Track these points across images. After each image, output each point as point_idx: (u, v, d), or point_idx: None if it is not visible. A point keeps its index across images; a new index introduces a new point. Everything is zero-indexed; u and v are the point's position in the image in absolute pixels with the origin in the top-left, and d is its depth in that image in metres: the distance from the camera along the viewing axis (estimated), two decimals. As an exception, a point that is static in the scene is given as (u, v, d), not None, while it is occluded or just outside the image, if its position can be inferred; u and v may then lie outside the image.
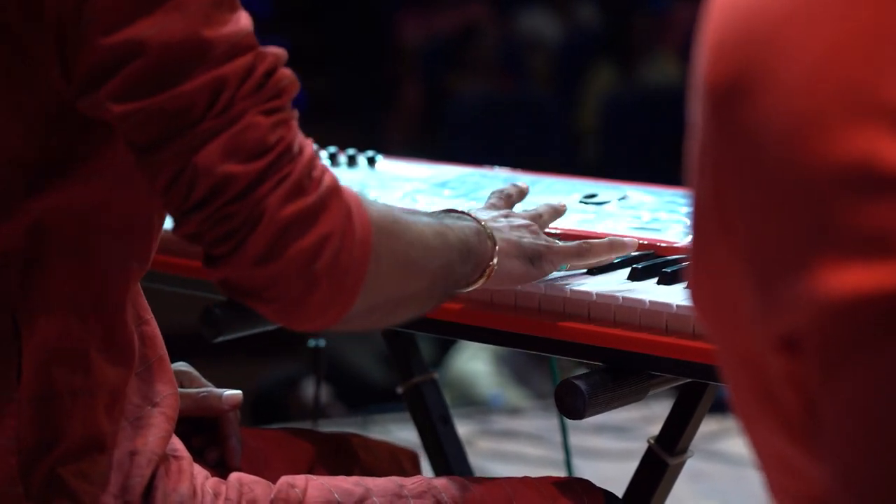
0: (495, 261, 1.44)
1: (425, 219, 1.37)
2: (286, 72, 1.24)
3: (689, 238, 0.78)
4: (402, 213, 1.33)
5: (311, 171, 1.21)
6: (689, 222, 0.78)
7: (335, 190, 1.22)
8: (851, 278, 0.64)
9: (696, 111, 0.74)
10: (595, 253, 1.56)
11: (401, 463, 1.76)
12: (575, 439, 2.83)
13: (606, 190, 1.89)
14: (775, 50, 0.69)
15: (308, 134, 1.26)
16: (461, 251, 1.38)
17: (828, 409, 0.67)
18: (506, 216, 1.52)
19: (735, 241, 0.71)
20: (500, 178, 1.98)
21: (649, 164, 6.39)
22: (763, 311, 0.70)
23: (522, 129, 7.09)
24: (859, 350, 0.65)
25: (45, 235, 1.26)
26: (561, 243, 1.54)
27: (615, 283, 1.54)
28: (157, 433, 1.36)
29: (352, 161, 2.07)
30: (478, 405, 4.18)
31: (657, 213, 1.78)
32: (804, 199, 0.67)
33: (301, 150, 1.22)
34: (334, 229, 1.21)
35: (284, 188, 1.19)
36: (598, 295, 1.50)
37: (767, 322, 0.69)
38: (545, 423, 3.78)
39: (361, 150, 2.10)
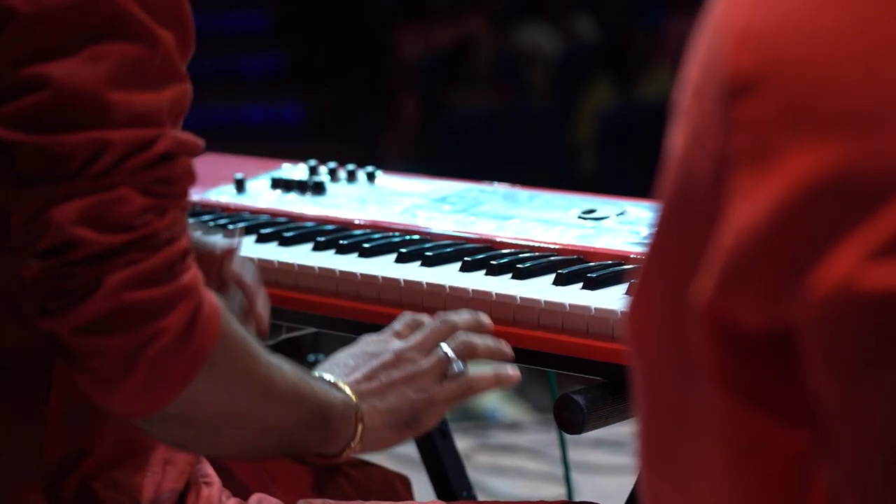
0: (357, 440, 1.40)
1: (288, 370, 1.33)
2: (188, 162, 1.22)
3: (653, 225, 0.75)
4: (262, 353, 1.30)
5: (173, 266, 1.20)
6: (656, 211, 0.74)
7: (190, 292, 1.20)
8: (886, 274, 0.62)
9: (701, 101, 0.70)
10: (480, 389, 1.50)
11: (394, 487, 1.76)
12: (573, 454, 2.83)
13: (605, 205, 1.88)
14: (816, 38, 0.65)
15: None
16: (314, 416, 1.35)
17: (840, 415, 0.65)
18: (392, 364, 1.45)
19: (725, 230, 0.67)
20: (499, 193, 1.98)
21: (647, 179, 6.40)
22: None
23: (520, 143, 7.09)
24: (888, 354, 0.62)
25: None
26: (446, 385, 1.46)
27: (613, 298, 1.54)
28: None
29: (351, 176, 2.08)
30: (477, 419, 4.18)
31: (655, 228, 1.78)
32: (841, 195, 0.63)
33: (170, 242, 1.20)
34: (171, 328, 1.19)
35: (131, 272, 1.18)
36: (596, 310, 1.50)
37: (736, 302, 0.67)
38: (544, 437, 3.78)
39: (360, 164, 2.11)
